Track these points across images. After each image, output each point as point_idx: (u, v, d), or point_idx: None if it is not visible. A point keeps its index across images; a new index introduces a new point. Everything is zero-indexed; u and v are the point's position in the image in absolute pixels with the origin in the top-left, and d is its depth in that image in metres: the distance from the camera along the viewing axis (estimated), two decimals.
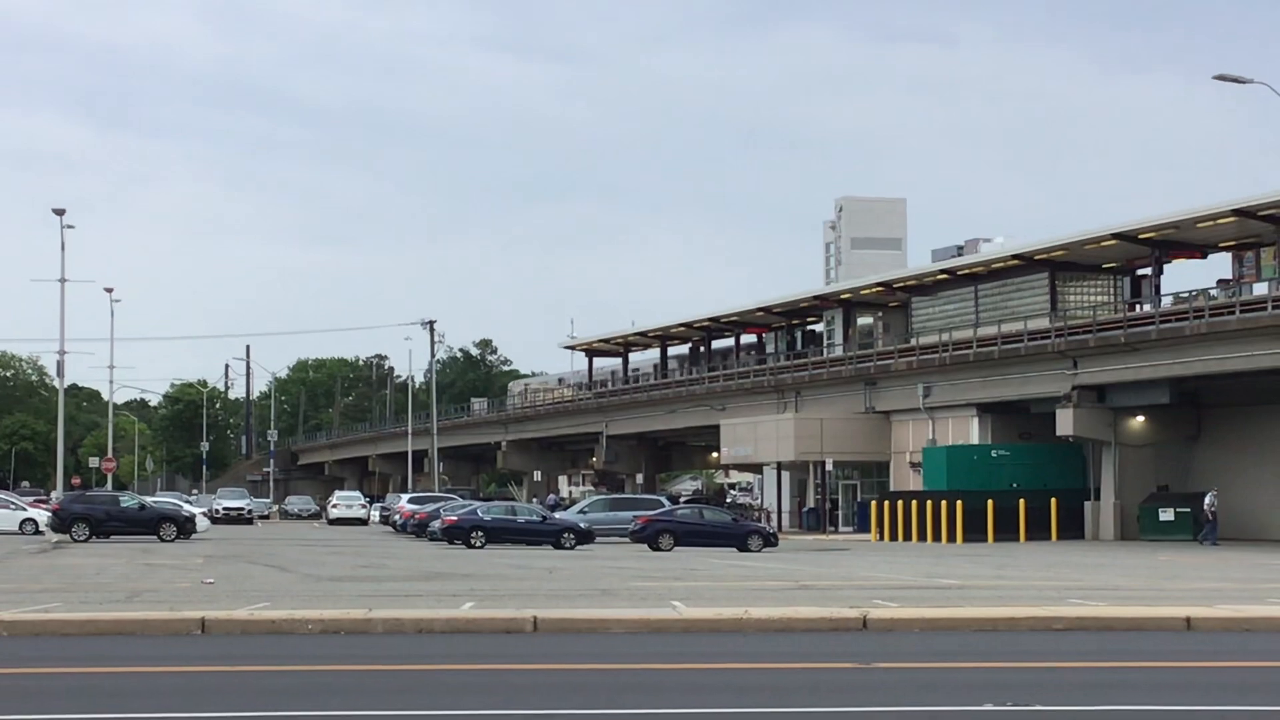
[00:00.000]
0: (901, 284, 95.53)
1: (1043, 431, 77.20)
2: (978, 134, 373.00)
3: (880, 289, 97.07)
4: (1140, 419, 75.03)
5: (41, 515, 74.81)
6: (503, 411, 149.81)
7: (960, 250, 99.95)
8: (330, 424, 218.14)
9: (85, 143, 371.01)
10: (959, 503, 72.32)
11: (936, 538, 72.17)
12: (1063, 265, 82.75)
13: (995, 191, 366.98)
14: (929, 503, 74.26)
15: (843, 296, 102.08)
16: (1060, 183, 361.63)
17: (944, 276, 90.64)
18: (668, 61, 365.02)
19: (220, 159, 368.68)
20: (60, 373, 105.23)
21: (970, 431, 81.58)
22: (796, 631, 24.69)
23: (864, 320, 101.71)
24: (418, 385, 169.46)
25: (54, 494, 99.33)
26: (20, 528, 74.23)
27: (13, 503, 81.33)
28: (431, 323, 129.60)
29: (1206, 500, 67.48)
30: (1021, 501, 72.93)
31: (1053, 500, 73.79)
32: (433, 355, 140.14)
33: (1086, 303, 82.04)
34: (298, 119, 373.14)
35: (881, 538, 76.18)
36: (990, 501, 72.46)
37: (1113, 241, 76.66)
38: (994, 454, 77.86)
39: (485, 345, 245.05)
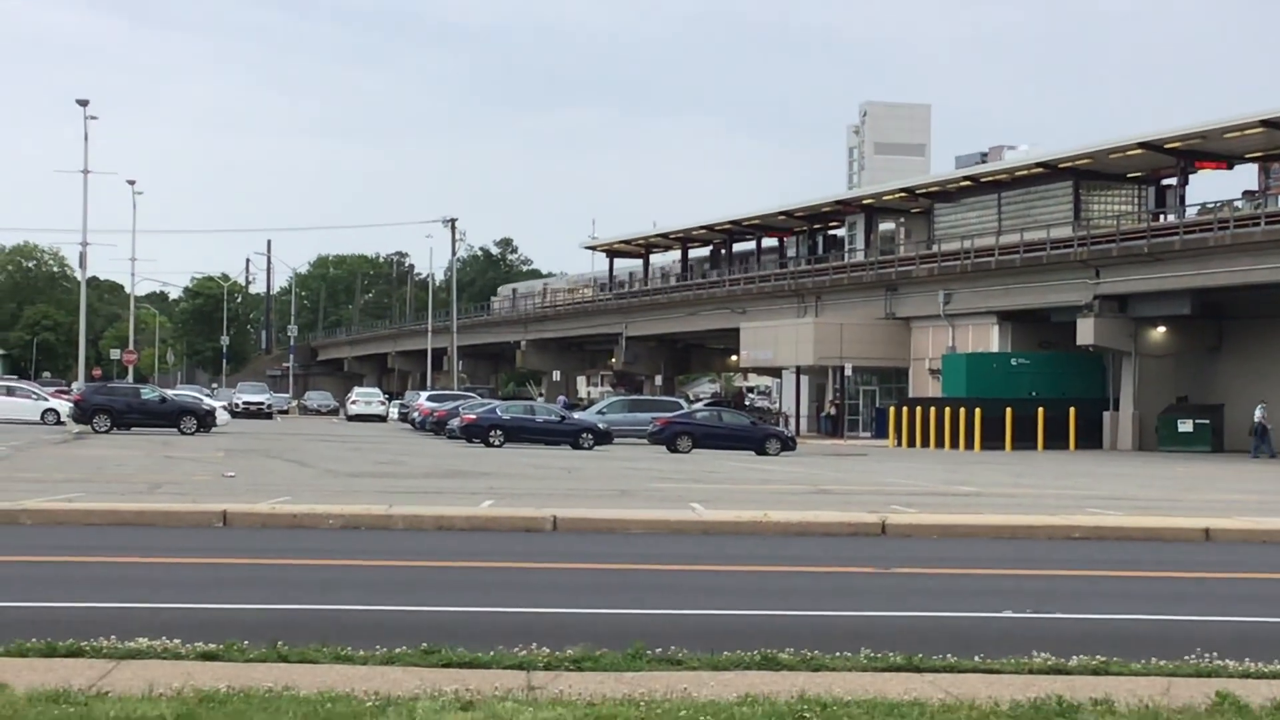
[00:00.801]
0: (925, 190, 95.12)
1: (1063, 340, 77.00)
2: (1004, 41, 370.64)
3: (903, 195, 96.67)
4: (1161, 329, 74.86)
5: (63, 406, 75.09)
6: (522, 311, 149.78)
7: (984, 157, 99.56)
8: (350, 320, 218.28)
9: (110, 36, 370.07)
10: (978, 410, 72.33)
11: (954, 445, 72.25)
12: (1087, 174, 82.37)
13: (1021, 99, 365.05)
14: (947, 409, 74.26)
15: (865, 201, 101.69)
16: (1087, 91, 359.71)
17: (967, 183, 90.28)
18: None
19: (245, 54, 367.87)
20: (82, 264, 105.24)
21: (990, 339, 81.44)
22: (815, 535, 24.78)
23: (886, 226, 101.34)
24: (438, 283, 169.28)
25: (75, 385, 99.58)
26: (42, 418, 74.57)
27: (35, 393, 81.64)
28: (453, 221, 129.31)
29: (1257, 414, 67.18)
30: (1040, 410, 72.91)
31: (1071, 409, 73.71)
32: (453, 253, 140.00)
33: (1110, 212, 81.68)
34: (324, 15, 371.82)
35: (900, 444, 76.25)
36: (1009, 409, 72.43)
37: (1138, 151, 76.27)
38: (1014, 362, 77.69)
39: (506, 244, 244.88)
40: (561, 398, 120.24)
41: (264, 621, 14.27)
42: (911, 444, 75.12)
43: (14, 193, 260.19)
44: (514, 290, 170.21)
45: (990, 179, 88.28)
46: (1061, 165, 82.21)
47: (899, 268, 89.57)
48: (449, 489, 33.71)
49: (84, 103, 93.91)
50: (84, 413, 66.94)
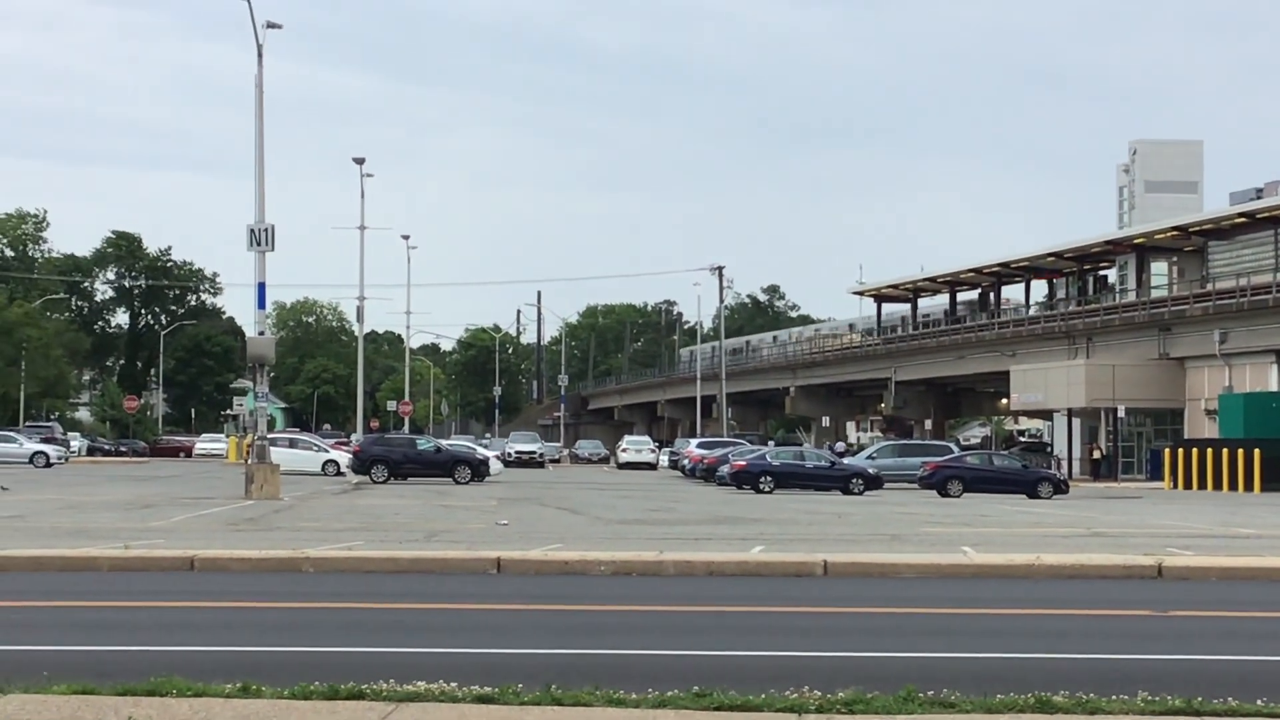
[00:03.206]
0: (1197, 228, 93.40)
1: None
2: (1276, 71, 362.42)
3: (1175, 233, 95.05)
4: None
5: (342, 457, 76.81)
6: (791, 356, 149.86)
7: (1259, 193, 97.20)
8: (619, 369, 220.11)
9: (381, 93, 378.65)
10: (1257, 451, 70.52)
11: (1233, 486, 70.55)
12: None
13: None
14: (1225, 451, 72.55)
15: (1136, 241, 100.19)
16: None
17: (1242, 220, 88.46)
18: (954, 1, 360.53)
19: (511, 108, 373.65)
20: (360, 318, 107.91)
21: (1269, 378, 79.57)
22: (1089, 578, 24.42)
23: (1158, 265, 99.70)
24: (706, 330, 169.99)
25: (354, 436, 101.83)
26: (323, 469, 76.25)
27: (315, 445, 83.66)
28: (720, 268, 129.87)
29: None
30: None
31: None
32: (721, 300, 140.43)
33: None
34: (585, 67, 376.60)
35: (1175, 486, 74.69)
36: None
37: None
38: None
39: (773, 291, 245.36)
40: (840, 444, 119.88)
41: (538, 665, 14.47)
42: (1188, 486, 73.51)
43: (294, 249, 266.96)
44: (774, 337, 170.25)
45: (1267, 215, 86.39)
46: None
47: (1172, 307, 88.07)
48: (719, 535, 33.78)
49: (360, 161, 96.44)
50: (362, 463, 68.34)
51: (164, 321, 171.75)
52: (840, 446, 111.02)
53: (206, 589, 21.95)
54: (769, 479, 63.47)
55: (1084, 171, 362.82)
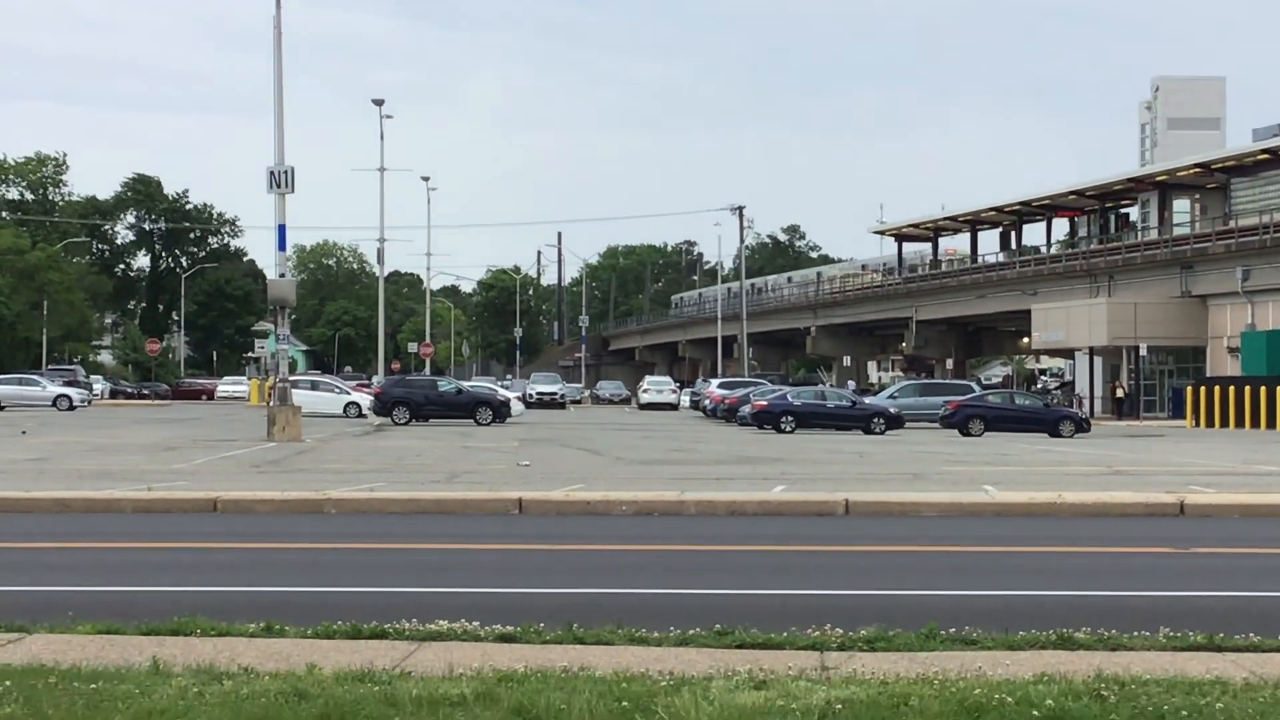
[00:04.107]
0: (1220, 165, 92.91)
1: None
2: None
3: (1198, 170, 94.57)
4: None
5: (364, 399, 76.81)
6: (812, 296, 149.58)
7: None
8: (640, 310, 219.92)
9: (402, 35, 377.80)
10: (1279, 389, 70.44)
11: (1255, 424, 70.41)
12: None
13: None
14: (1247, 388, 72.39)
15: (1158, 178, 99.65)
16: None
17: (1265, 156, 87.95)
18: None
19: (530, 48, 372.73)
20: (380, 260, 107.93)
21: None
22: (1111, 516, 24.45)
23: (1180, 203, 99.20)
24: (727, 271, 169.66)
25: (375, 378, 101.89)
26: (344, 411, 76.29)
27: (337, 387, 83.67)
28: (740, 208, 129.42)
29: None
30: None
31: None
32: (742, 241, 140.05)
33: None
34: (607, 6, 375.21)
35: (1197, 424, 74.56)
36: None
37: None
38: None
39: (793, 231, 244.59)
40: (851, 382, 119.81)
41: (559, 605, 14.52)
42: (1210, 424, 73.37)
43: (314, 192, 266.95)
44: (789, 278, 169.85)
45: None
46: None
47: (1194, 245, 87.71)
48: (741, 475, 33.83)
49: (379, 102, 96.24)
50: (384, 405, 68.40)
51: (185, 264, 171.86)
52: (853, 385, 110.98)
53: (230, 530, 22.06)
54: (790, 419, 63.45)
55: (1106, 108, 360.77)
